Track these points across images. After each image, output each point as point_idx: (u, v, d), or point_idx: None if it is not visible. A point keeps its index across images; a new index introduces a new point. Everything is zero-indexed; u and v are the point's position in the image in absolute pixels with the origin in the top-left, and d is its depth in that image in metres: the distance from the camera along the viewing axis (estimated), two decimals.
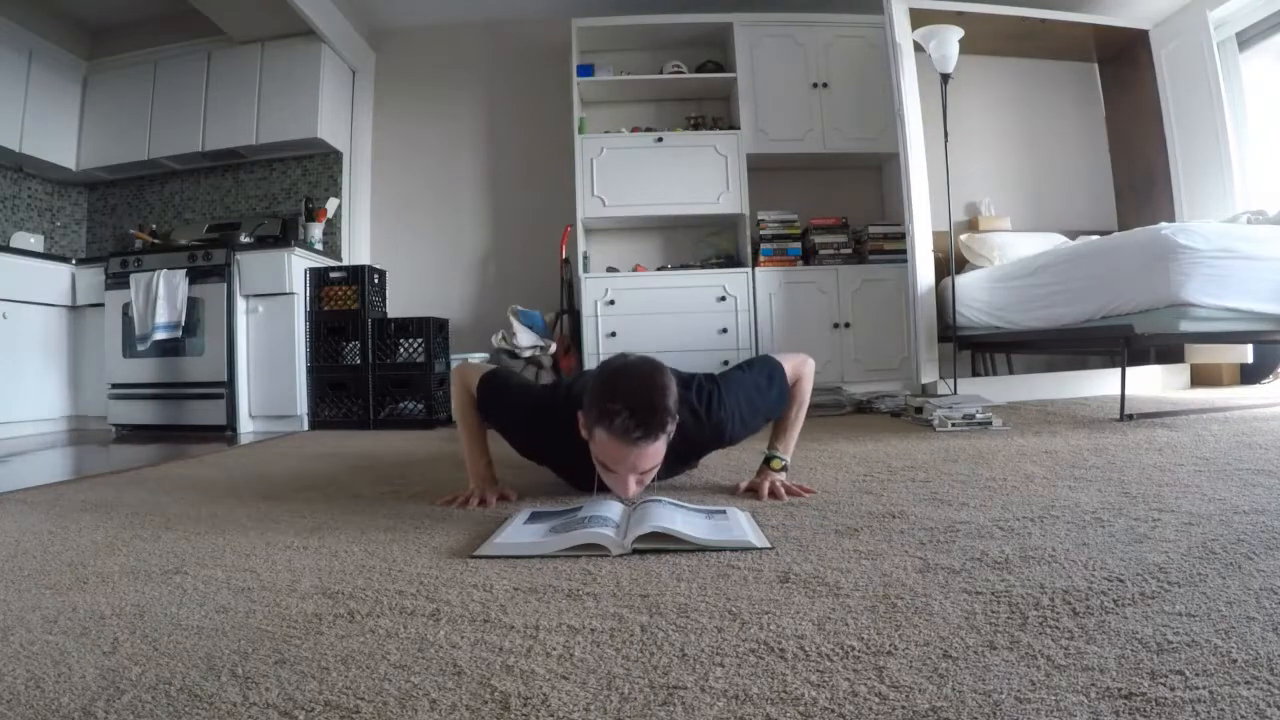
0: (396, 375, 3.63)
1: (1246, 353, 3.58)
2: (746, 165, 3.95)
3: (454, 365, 2.13)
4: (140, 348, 3.53)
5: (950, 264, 3.57)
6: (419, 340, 3.65)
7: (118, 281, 3.65)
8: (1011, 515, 1.19)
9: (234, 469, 2.19)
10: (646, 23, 4.08)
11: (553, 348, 3.80)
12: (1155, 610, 0.74)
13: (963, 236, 4.01)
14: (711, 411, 1.43)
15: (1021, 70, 4.37)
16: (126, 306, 3.58)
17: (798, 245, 3.94)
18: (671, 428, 1.23)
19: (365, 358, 3.63)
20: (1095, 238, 3.01)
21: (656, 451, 1.23)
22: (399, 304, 4.11)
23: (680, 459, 1.49)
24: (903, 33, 3.54)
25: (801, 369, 1.58)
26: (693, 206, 3.97)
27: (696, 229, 4.28)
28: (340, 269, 3.78)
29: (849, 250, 3.97)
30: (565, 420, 1.35)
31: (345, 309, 3.67)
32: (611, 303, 3.81)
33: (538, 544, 1.08)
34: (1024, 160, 4.36)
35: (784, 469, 1.54)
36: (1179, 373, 3.78)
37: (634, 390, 1.21)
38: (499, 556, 1.06)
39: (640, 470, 1.25)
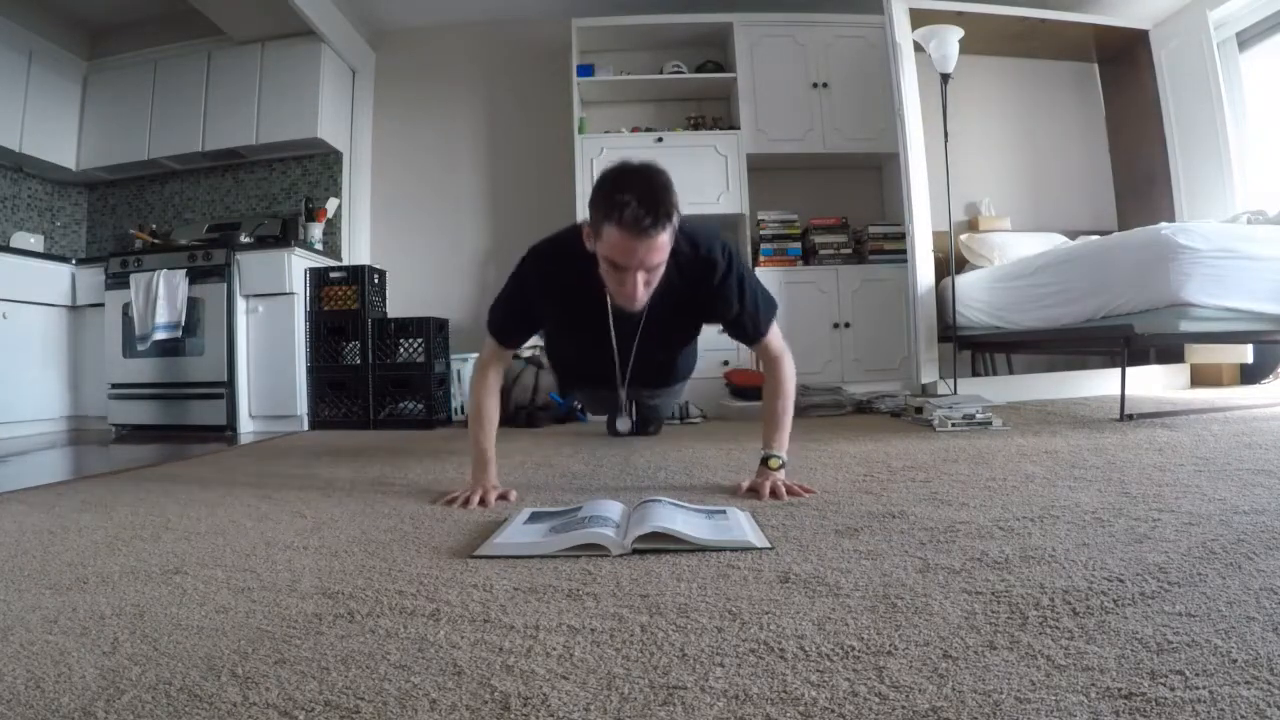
0: (396, 375, 3.63)
1: (1246, 353, 3.58)
2: (746, 165, 3.95)
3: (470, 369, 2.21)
4: (140, 348, 3.53)
5: (950, 264, 3.57)
6: (419, 340, 3.65)
7: (118, 281, 3.65)
8: (1011, 515, 1.19)
9: (234, 469, 2.19)
10: (646, 23, 4.08)
11: None
12: (1155, 610, 0.74)
13: (963, 236, 4.01)
14: (699, 244, 1.47)
15: (1021, 70, 4.37)
16: (126, 306, 3.58)
17: (798, 245, 3.95)
18: (677, 220, 1.28)
19: (365, 358, 3.63)
20: (1095, 238, 3.01)
21: (664, 244, 1.28)
22: (399, 304, 4.11)
23: (674, 309, 1.52)
24: (903, 33, 3.54)
25: (786, 352, 1.61)
26: (693, 206, 3.94)
27: None
28: (340, 269, 3.78)
29: (849, 250, 3.97)
30: (564, 258, 1.43)
31: (345, 309, 3.67)
32: None
33: (538, 544, 1.08)
34: (1024, 160, 4.36)
35: (782, 467, 1.54)
36: (1179, 373, 3.78)
37: (639, 182, 1.26)
38: (499, 556, 1.06)
39: (649, 265, 1.29)
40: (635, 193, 1.23)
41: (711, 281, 1.50)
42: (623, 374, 1.67)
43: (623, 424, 1.78)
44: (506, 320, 1.60)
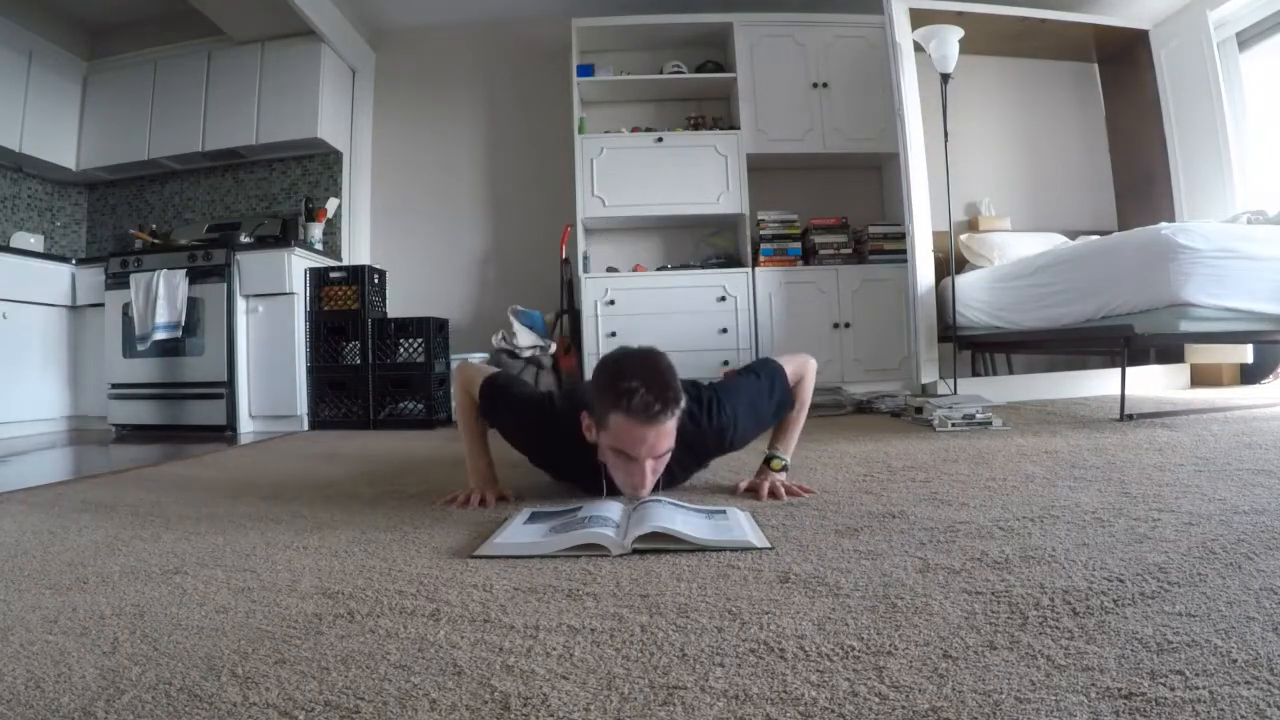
0: (396, 375, 3.63)
1: (1246, 353, 3.58)
2: (746, 165, 3.95)
3: (454, 366, 2.15)
4: (140, 348, 3.53)
5: (950, 264, 3.57)
6: (419, 340, 3.65)
7: (118, 281, 3.65)
8: (1011, 515, 1.19)
9: (234, 469, 2.19)
10: (646, 23, 4.08)
11: (553, 348, 3.80)
12: (1155, 610, 0.74)
13: (963, 236, 4.01)
14: (712, 416, 1.43)
15: (1021, 70, 4.37)
16: (126, 306, 3.58)
17: (798, 245, 3.94)
18: (684, 404, 1.25)
19: (365, 358, 3.63)
20: (1095, 238, 3.01)
21: (671, 430, 1.25)
22: (399, 304, 4.11)
23: (681, 466, 1.49)
24: (903, 33, 3.54)
25: (803, 370, 1.58)
26: (693, 206, 3.97)
27: (696, 229, 4.28)
28: (340, 269, 3.78)
29: (849, 250, 3.97)
30: (568, 425, 1.35)
31: (345, 309, 3.67)
32: (611, 303, 3.81)
33: (538, 544, 1.08)
34: (1024, 160, 4.36)
35: (784, 469, 1.54)
36: (1179, 373, 3.78)
37: (644, 369, 1.23)
38: (499, 556, 1.06)
39: (658, 453, 1.26)
40: (642, 379, 1.19)
41: (725, 441, 1.46)
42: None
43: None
44: (497, 421, 1.51)
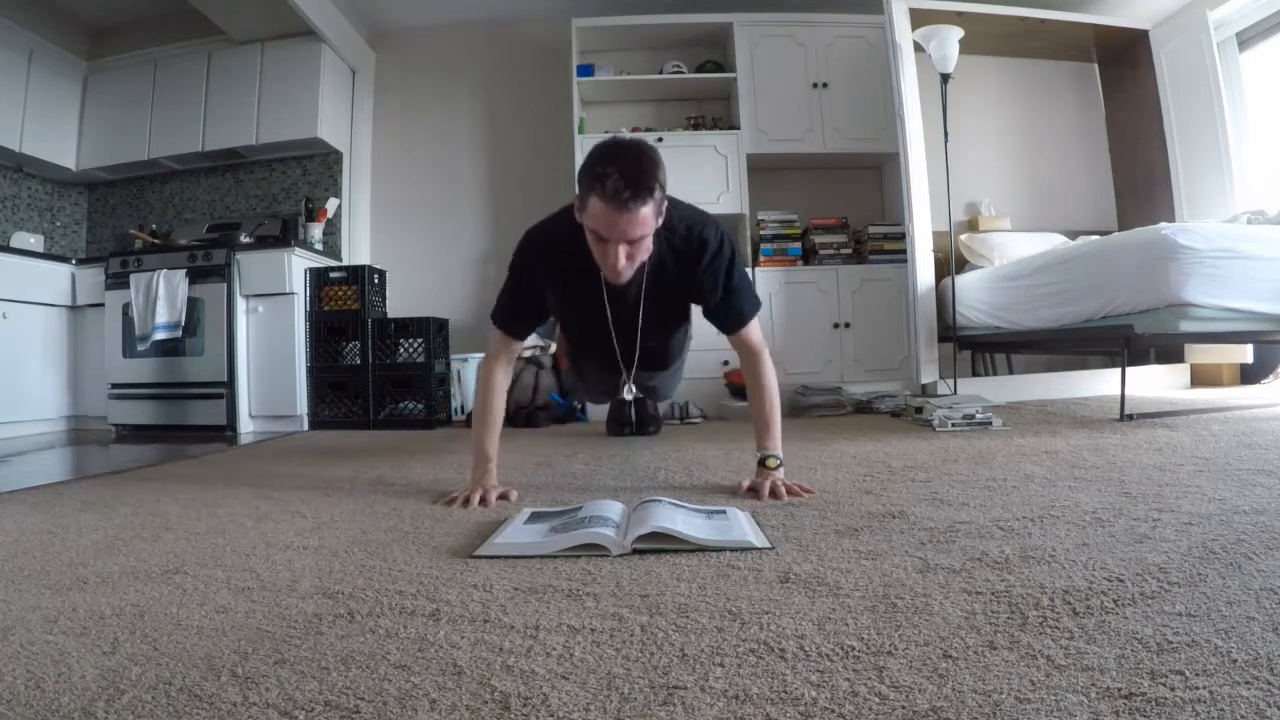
0: (396, 375, 3.63)
1: (1246, 353, 3.58)
2: (746, 165, 3.95)
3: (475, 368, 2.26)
4: (140, 348, 3.53)
5: (950, 264, 3.57)
6: (419, 340, 3.65)
7: (118, 281, 3.65)
8: (1011, 515, 1.19)
9: (234, 469, 2.19)
10: (646, 23, 4.08)
11: (553, 348, 3.80)
12: (1155, 610, 0.74)
13: (963, 236, 4.01)
14: (694, 225, 1.51)
15: (1021, 70, 4.37)
16: (126, 306, 3.58)
17: (798, 245, 3.94)
18: (660, 196, 1.31)
19: (365, 358, 3.63)
20: (1095, 238, 3.01)
21: (645, 218, 1.30)
22: (399, 304, 4.11)
23: (665, 288, 1.56)
24: (903, 33, 3.54)
25: (765, 348, 1.63)
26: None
27: None
28: (340, 269, 3.78)
29: (849, 250, 3.97)
30: (557, 234, 1.49)
31: (345, 309, 3.67)
32: None
33: (538, 544, 1.08)
34: (1024, 160, 4.36)
35: (780, 466, 1.54)
36: (1179, 373, 3.78)
37: (625, 156, 1.29)
38: (499, 556, 1.06)
39: (630, 238, 1.32)
40: (619, 166, 1.26)
41: (701, 261, 1.52)
42: (622, 351, 1.69)
43: (629, 393, 1.78)
44: (510, 306, 1.61)
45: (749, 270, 3.86)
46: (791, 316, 3.85)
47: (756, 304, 1.62)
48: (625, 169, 1.26)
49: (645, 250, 1.39)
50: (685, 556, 1.03)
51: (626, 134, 1.40)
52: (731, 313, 1.58)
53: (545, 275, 1.57)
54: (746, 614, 0.79)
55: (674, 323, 1.76)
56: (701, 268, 1.53)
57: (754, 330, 1.61)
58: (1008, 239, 3.91)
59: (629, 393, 1.74)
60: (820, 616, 0.77)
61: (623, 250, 1.33)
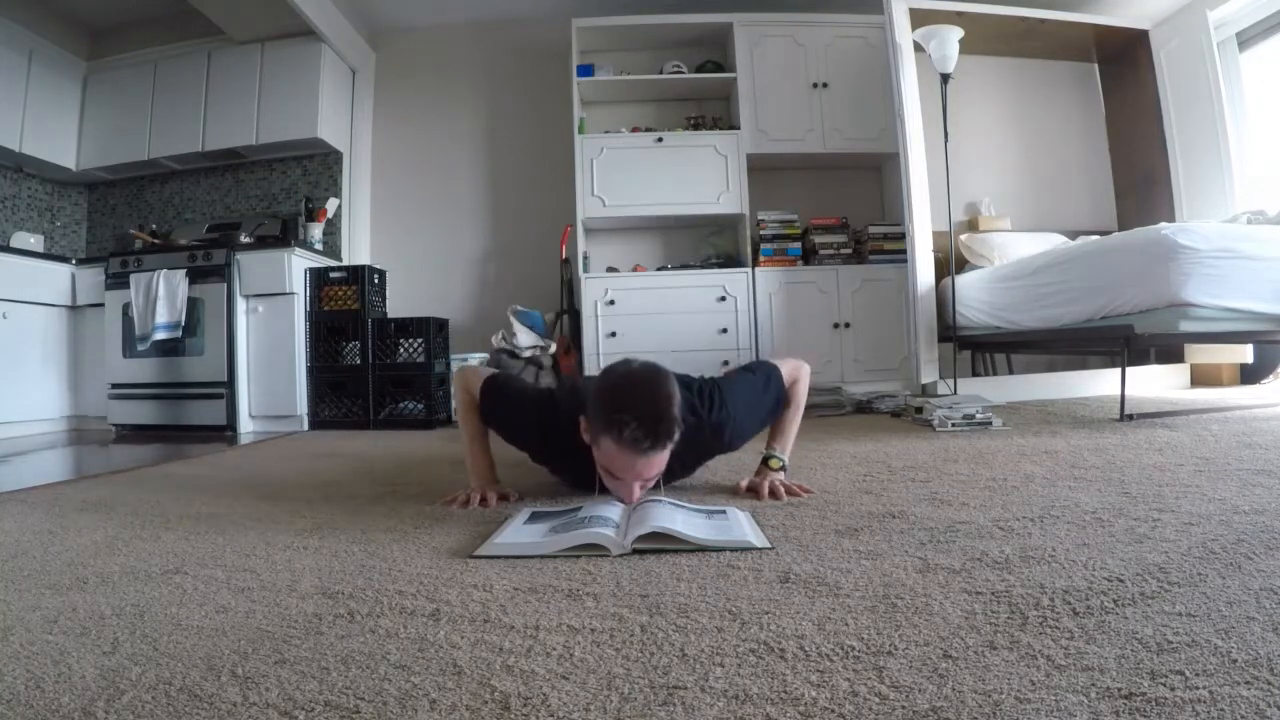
0: (396, 375, 3.63)
1: (1246, 353, 3.58)
2: (746, 165, 3.95)
3: (455, 370, 2.16)
4: (140, 348, 3.53)
5: (950, 264, 3.57)
6: (419, 340, 3.65)
7: (118, 281, 3.65)
8: (1011, 515, 1.19)
9: (234, 469, 2.19)
10: (646, 23, 4.08)
11: (553, 348, 3.80)
12: (1155, 610, 0.74)
13: (963, 236, 4.00)
14: (712, 412, 1.43)
15: (1021, 70, 4.36)
16: (126, 306, 3.58)
17: (798, 245, 3.94)
18: (678, 435, 1.23)
19: (365, 358, 3.63)
20: (1095, 238, 3.01)
21: (663, 459, 1.24)
22: (399, 304, 4.11)
23: (681, 464, 1.49)
24: (903, 33, 3.54)
25: (798, 373, 1.59)
26: (693, 206, 3.97)
27: (696, 229, 4.28)
28: (340, 269, 3.78)
29: (849, 250, 3.97)
30: (567, 423, 1.35)
31: (345, 309, 3.67)
32: (611, 303, 3.81)
33: (538, 544, 1.08)
34: (1024, 160, 4.36)
35: (782, 468, 1.54)
36: (1179, 373, 3.78)
37: (641, 399, 1.20)
38: (499, 556, 1.06)
39: (645, 477, 1.26)
40: (637, 412, 1.18)
41: (724, 437, 1.47)
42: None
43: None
44: (497, 420, 1.51)
45: (749, 271, 3.87)
46: (791, 316, 3.85)
47: (772, 383, 1.54)
48: (644, 416, 1.18)
49: (655, 479, 1.31)
50: (685, 556, 1.03)
51: (636, 365, 1.32)
52: (769, 417, 1.56)
53: (539, 440, 1.50)
54: (746, 614, 0.79)
55: (682, 474, 1.64)
56: (725, 440, 1.48)
57: (785, 380, 1.55)
58: (1008, 239, 3.91)
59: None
60: (820, 616, 0.77)
61: (637, 485, 1.26)
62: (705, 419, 1.42)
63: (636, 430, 1.17)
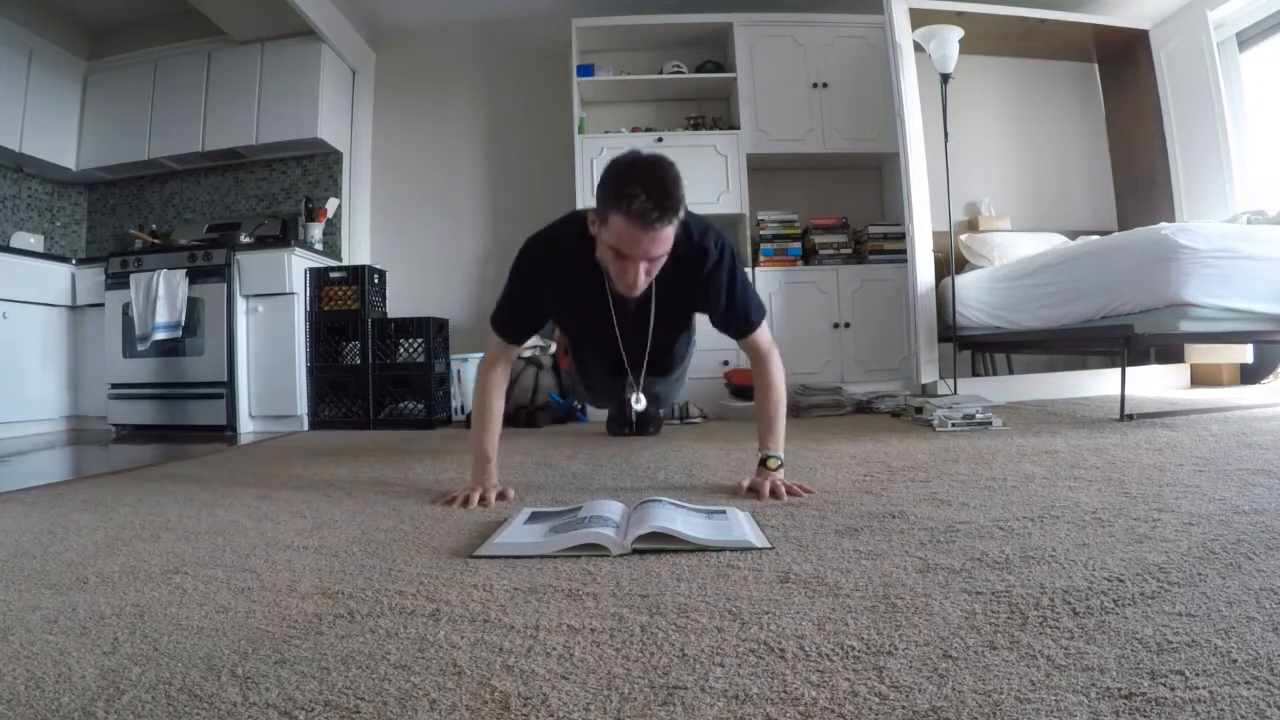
0: (396, 375, 3.63)
1: (1246, 353, 3.58)
2: (746, 165, 3.95)
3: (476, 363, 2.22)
4: (140, 348, 3.53)
5: (950, 264, 3.57)
6: (419, 340, 3.65)
7: (118, 281, 3.65)
8: (1011, 515, 1.19)
9: (234, 469, 2.19)
10: (646, 23, 4.08)
11: (552, 348, 3.80)
12: (1155, 610, 0.74)
13: (963, 236, 4.00)
14: (693, 234, 1.51)
15: (1021, 70, 4.36)
16: (126, 306, 3.58)
17: (798, 245, 3.94)
18: (682, 214, 1.32)
19: (365, 358, 3.63)
20: (1095, 238, 3.01)
21: (668, 237, 1.32)
22: (399, 304, 4.11)
23: (671, 301, 1.57)
24: (903, 33, 3.54)
25: (774, 350, 1.63)
26: (693, 207, 3.92)
27: None
28: (340, 269, 3.78)
29: (849, 250, 3.97)
30: (562, 238, 1.48)
31: (345, 309, 3.67)
32: None
33: (538, 544, 1.08)
34: (1024, 160, 4.36)
35: (781, 467, 1.55)
36: (1179, 373, 3.78)
37: (650, 175, 1.28)
38: (499, 556, 1.06)
39: (652, 256, 1.33)
40: (644, 185, 1.25)
41: (702, 270, 1.53)
42: (629, 357, 1.70)
43: (638, 402, 1.75)
44: (509, 314, 1.60)
45: (750, 271, 3.87)
46: (791, 316, 3.85)
47: (761, 309, 1.62)
48: (652, 189, 1.26)
49: (660, 265, 1.40)
50: (685, 556, 1.03)
51: (643, 149, 1.39)
52: (738, 320, 1.59)
53: (548, 282, 1.56)
54: (746, 614, 0.79)
55: (677, 329, 1.76)
56: (703, 275, 1.53)
57: (762, 334, 1.62)
58: (1008, 239, 3.91)
59: (638, 402, 1.74)
60: (820, 616, 0.77)
61: (643, 267, 1.34)
62: (693, 239, 1.50)
63: (645, 203, 1.24)
